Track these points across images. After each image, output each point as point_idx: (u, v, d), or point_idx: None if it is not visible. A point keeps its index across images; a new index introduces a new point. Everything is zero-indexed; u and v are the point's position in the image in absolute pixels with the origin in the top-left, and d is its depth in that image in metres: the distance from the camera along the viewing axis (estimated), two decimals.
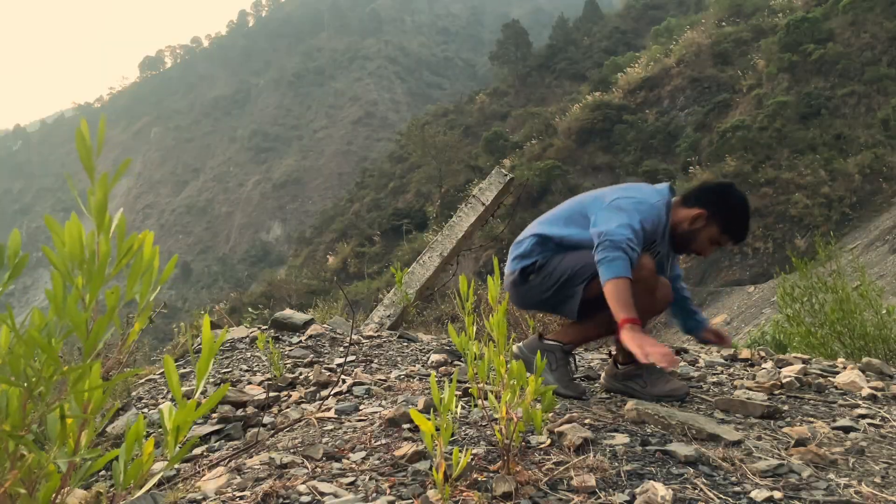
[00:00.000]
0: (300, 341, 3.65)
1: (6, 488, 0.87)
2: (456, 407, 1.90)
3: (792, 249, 18.42)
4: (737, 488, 1.53)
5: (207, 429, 2.28)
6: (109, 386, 0.89)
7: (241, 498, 1.48)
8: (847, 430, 2.19)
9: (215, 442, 2.20)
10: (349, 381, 2.68)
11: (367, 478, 1.57)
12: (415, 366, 3.12)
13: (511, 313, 4.30)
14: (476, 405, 2.13)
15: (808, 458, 1.79)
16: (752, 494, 1.49)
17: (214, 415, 2.39)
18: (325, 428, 2.06)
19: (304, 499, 1.44)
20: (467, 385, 2.26)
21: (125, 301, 0.91)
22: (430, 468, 1.58)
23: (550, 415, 2.03)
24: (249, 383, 2.87)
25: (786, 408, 2.48)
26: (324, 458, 1.72)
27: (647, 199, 2.45)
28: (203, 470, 1.85)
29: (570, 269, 2.42)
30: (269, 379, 2.87)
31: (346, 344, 3.57)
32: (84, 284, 0.84)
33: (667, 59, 34.39)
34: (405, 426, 1.95)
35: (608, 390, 2.64)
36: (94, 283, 0.84)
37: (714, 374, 3.19)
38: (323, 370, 2.88)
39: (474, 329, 1.57)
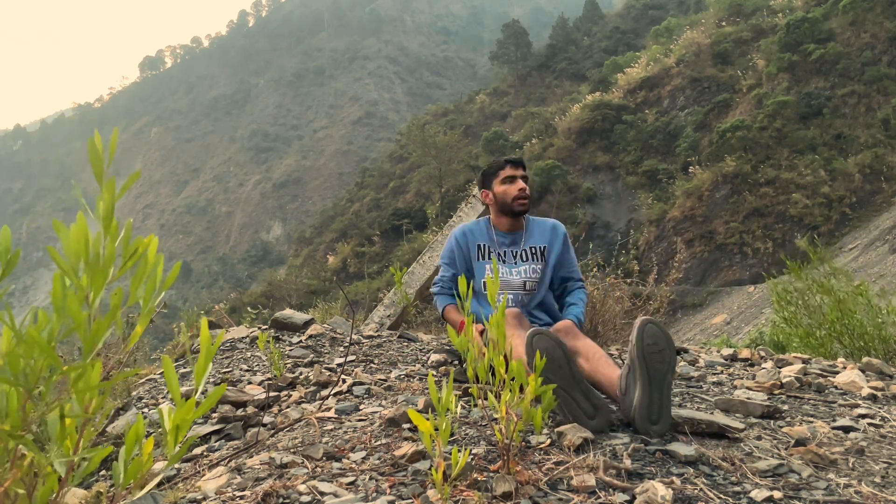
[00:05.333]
0: (300, 341, 3.65)
1: (5, 488, 0.87)
2: (456, 407, 1.90)
3: (792, 249, 18.44)
4: (737, 488, 1.53)
5: (207, 429, 2.28)
6: (108, 385, 0.89)
7: (241, 498, 1.48)
8: (847, 430, 2.19)
9: (215, 442, 2.20)
10: (349, 380, 2.68)
11: (367, 478, 1.57)
12: (415, 366, 3.12)
13: None
14: (476, 405, 2.13)
15: (808, 458, 1.79)
16: (752, 494, 1.49)
17: (214, 415, 2.39)
18: (325, 428, 2.06)
19: (304, 499, 1.44)
20: (467, 385, 2.26)
21: (129, 304, 0.91)
22: (430, 468, 1.58)
23: (549, 414, 2.03)
24: (249, 383, 2.87)
25: (786, 408, 2.48)
26: (324, 458, 1.73)
27: (447, 242, 3.05)
28: (203, 470, 1.85)
29: None
30: (269, 379, 2.88)
31: (346, 344, 3.57)
32: (88, 284, 0.85)
33: (667, 59, 34.38)
34: (405, 426, 1.95)
35: None
36: (98, 284, 0.85)
37: (714, 374, 3.19)
38: (323, 370, 2.88)
39: (473, 330, 1.57)
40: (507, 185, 2.87)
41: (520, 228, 2.94)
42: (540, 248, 2.91)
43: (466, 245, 2.91)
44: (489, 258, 2.88)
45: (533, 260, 2.89)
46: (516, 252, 2.89)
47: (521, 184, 2.86)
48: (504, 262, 2.88)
